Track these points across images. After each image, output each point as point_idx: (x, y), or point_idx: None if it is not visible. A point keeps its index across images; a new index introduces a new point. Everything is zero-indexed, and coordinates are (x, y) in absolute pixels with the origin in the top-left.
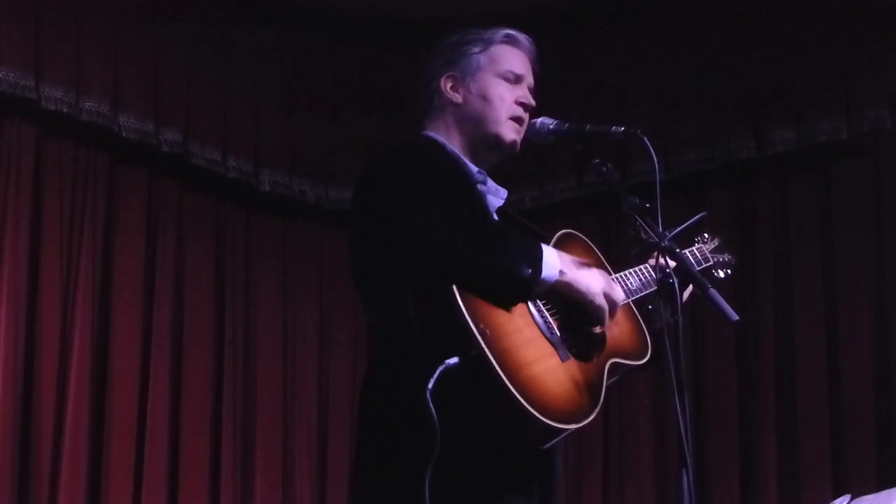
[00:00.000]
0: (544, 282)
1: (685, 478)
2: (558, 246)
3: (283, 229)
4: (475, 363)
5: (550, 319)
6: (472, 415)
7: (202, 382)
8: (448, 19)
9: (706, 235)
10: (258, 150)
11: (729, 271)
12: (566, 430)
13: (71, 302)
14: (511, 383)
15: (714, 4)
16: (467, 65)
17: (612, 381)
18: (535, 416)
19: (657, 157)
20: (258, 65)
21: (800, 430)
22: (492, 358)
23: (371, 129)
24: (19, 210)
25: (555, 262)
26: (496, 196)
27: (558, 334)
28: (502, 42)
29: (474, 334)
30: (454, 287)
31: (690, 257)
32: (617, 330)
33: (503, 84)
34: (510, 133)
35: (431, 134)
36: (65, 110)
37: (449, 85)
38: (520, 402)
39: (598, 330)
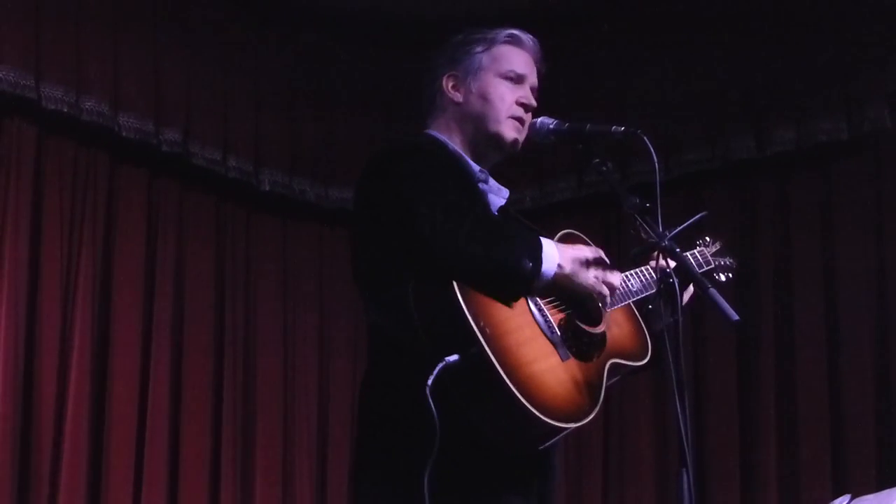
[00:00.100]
0: (544, 275)
1: (685, 478)
2: None
3: (283, 229)
4: (475, 361)
5: (551, 319)
6: (472, 412)
7: (202, 382)
8: (448, 19)
9: (708, 239)
10: (258, 150)
11: (730, 275)
12: (565, 428)
13: (71, 302)
14: (511, 381)
15: (714, 5)
16: (469, 64)
17: (612, 381)
18: (534, 414)
19: (657, 157)
20: (258, 65)
21: (800, 430)
22: (492, 356)
23: (371, 129)
24: (19, 210)
25: (554, 256)
26: (498, 195)
27: (558, 333)
28: (505, 42)
29: (474, 332)
30: (455, 284)
31: (691, 259)
32: (617, 331)
33: (504, 84)
34: (510, 132)
35: (433, 133)
36: (65, 110)
37: (450, 84)
38: (519, 399)
39: (598, 330)
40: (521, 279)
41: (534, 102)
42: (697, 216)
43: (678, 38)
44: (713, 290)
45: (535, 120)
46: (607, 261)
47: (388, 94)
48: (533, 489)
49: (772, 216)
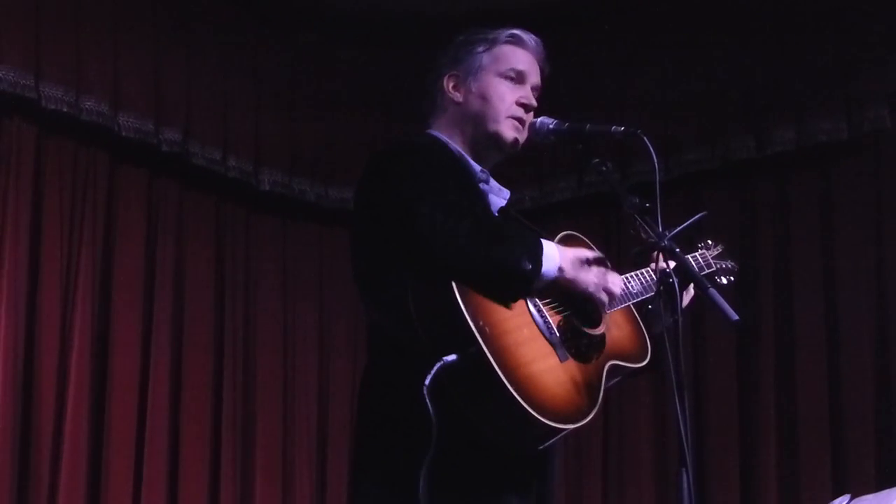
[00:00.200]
0: (544, 276)
1: (685, 478)
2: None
3: (283, 229)
4: (473, 360)
5: (550, 320)
6: (470, 412)
7: (202, 382)
8: (448, 19)
9: (710, 242)
10: (258, 150)
11: (732, 278)
12: (563, 429)
13: (71, 302)
14: (509, 381)
15: (714, 5)
16: (470, 64)
17: (611, 383)
18: (532, 414)
19: (657, 157)
20: (258, 65)
21: (800, 430)
22: (490, 355)
23: (371, 129)
24: (19, 210)
25: (554, 258)
26: (499, 196)
27: (557, 335)
28: (506, 42)
29: (473, 332)
30: (454, 284)
31: (692, 261)
32: (617, 332)
33: (504, 84)
34: (509, 132)
35: (435, 133)
36: (65, 110)
37: (451, 84)
38: (517, 400)
39: (597, 332)
40: (521, 280)
41: (534, 102)
42: (697, 216)
43: (678, 38)
44: (713, 290)
45: (535, 120)
46: (609, 265)
47: (388, 94)
48: (532, 490)
49: (772, 216)
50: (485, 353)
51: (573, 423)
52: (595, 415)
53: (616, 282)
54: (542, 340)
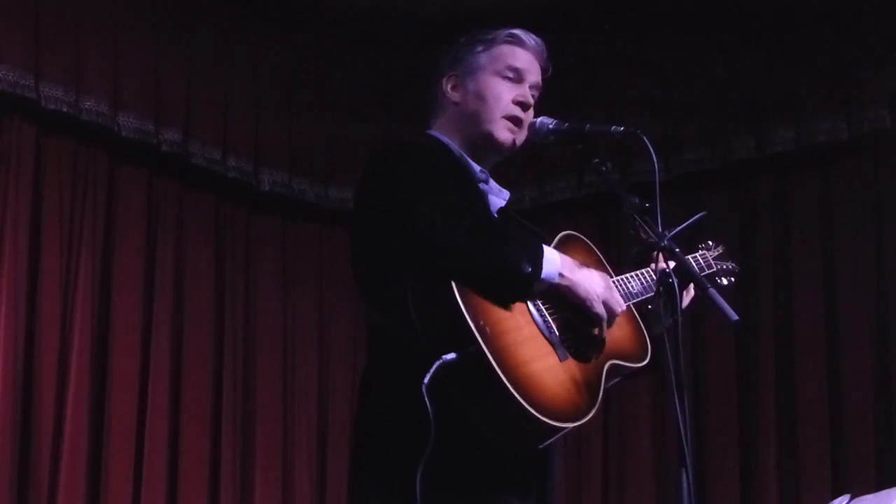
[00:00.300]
0: (544, 280)
1: (685, 478)
2: (560, 247)
3: (283, 229)
4: (473, 359)
5: (549, 319)
6: (469, 411)
7: (202, 382)
8: (448, 19)
9: (710, 243)
10: (258, 150)
11: (733, 279)
12: (562, 428)
13: (71, 301)
14: (508, 380)
15: (714, 5)
16: (468, 64)
17: (611, 383)
18: (531, 413)
19: (657, 157)
20: (258, 65)
21: (800, 430)
22: (489, 355)
23: (371, 129)
24: (19, 209)
25: (555, 263)
26: (499, 196)
27: (557, 334)
28: (505, 41)
29: (472, 331)
30: (453, 283)
31: (693, 262)
32: (617, 332)
33: (502, 83)
34: (502, 132)
35: (434, 133)
36: (64, 109)
37: (450, 85)
38: (517, 399)
39: (596, 332)
40: (521, 282)
41: (530, 100)
42: (697, 216)
43: (678, 38)
44: (713, 290)
45: (534, 120)
46: (611, 273)
47: (388, 94)
48: (531, 489)
49: (771, 216)
50: (484, 352)
51: (572, 421)
52: (595, 414)
53: (618, 296)
54: (541, 340)
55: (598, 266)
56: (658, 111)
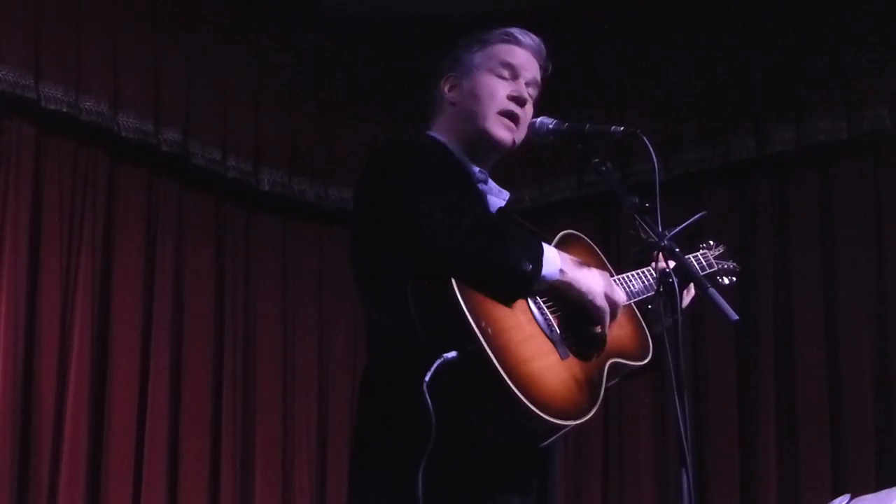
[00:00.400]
0: (544, 278)
1: (685, 478)
2: (560, 246)
3: (283, 229)
4: (473, 358)
5: (550, 317)
6: (470, 410)
7: (202, 382)
8: (448, 19)
9: (711, 242)
10: (258, 150)
11: (734, 278)
12: (563, 426)
13: (71, 301)
14: (509, 378)
15: (714, 5)
16: (465, 64)
17: (612, 382)
18: (532, 411)
19: (657, 157)
20: (258, 65)
21: (800, 430)
22: (490, 353)
23: (371, 129)
24: (19, 210)
25: (556, 260)
26: (498, 197)
27: (558, 332)
28: (501, 40)
29: (473, 329)
30: (454, 282)
31: (693, 261)
32: (618, 331)
33: (497, 80)
34: (498, 129)
35: (433, 134)
36: (64, 110)
37: (448, 86)
38: (518, 397)
39: (598, 330)
40: (521, 280)
41: (525, 95)
42: (697, 216)
43: (678, 38)
44: (713, 290)
45: (534, 120)
46: (612, 272)
47: (388, 94)
48: (532, 488)
49: (771, 216)
50: (485, 350)
51: (574, 419)
52: (596, 412)
53: (619, 291)
54: (542, 338)
55: (599, 265)
56: (658, 111)
